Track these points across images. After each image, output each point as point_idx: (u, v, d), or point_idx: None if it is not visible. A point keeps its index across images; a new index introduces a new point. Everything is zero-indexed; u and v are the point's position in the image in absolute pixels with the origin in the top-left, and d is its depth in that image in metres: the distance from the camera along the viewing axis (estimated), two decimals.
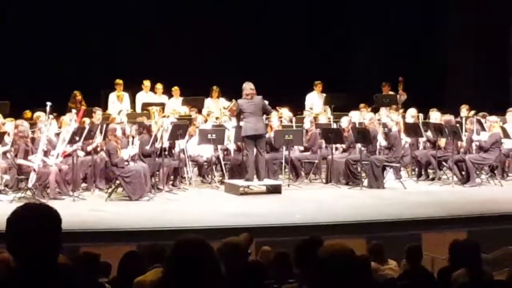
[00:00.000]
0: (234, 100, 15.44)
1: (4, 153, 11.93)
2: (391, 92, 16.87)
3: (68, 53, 17.07)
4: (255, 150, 12.45)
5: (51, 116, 12.47)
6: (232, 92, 15.39)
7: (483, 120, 13.93)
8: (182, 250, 2.99)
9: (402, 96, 16.62)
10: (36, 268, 2.74)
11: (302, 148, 13.88)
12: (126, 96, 16.04)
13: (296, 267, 5.17)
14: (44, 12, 17.29)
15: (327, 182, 13.56)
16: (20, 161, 11.55)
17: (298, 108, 16.31)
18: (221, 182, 13.34)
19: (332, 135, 13.48)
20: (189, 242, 3.03)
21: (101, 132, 12.53)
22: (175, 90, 16.39)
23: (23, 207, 2.83)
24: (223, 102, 16.15)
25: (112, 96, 16.01)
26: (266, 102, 12.80)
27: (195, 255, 2.96)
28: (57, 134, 12.28)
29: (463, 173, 13.37)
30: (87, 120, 13.26)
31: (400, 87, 16.65)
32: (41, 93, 13.96)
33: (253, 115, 12.38)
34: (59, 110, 13.84)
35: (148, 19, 18.47)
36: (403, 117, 14.73)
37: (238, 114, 12.63)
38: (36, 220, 2.77)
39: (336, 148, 14.10)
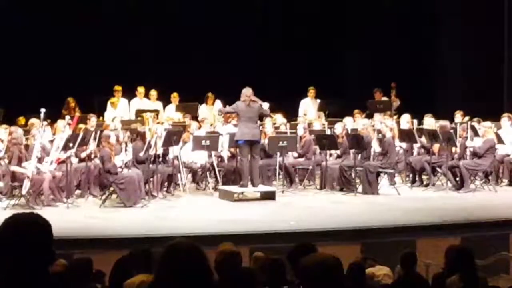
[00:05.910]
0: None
1: None
2: (384, 98, 16.86)
3: (62, 60, 17.03)
4: (249, 156, 12.45)
5: (45, 123, 12.44)
6: (227, 99, 15.40)
7: (477, 126, 13.95)
8: (173, 254, 2.97)
9: (395, 102, 16.61)
10: (28, 278, 2.70)
11: (296, 154, 13.88)
12: (122, 102, 15.97)
13: (292, 272, 5.16)
14: (37, 21, 17.26)
15: (321, 188, 13.55)
16: (14, 168, 11.51)
17: (292, 114, 16.30)
18: (215, 189, 13.32)
19: (326, 141, 13.49)
20: (180, 246, 3.01)
21: (94, 139, 12.50)
22: (174, 97, 16.36)
23: (11, 218, 2.77)
24: (218, 104, 16.09)
25: (108, 102, 15.97)
26: (267, 104, 12.77)
27: (186, 260, 2.94)
28: (51, 141, 12.26)
29: (457, 179, 13.38)
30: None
31: (393, 93, 16.65)
32: (35, 99, 13.93)
33: (250, 121, 12.39)
34: (53, 117, 13.82)
35: (143, 26, 18.45)
36: (397, 123, 14.74)
37: (238, 114, 12.55)
38: (25, 230, 2.72)
39: (330, 154, 14.10)
